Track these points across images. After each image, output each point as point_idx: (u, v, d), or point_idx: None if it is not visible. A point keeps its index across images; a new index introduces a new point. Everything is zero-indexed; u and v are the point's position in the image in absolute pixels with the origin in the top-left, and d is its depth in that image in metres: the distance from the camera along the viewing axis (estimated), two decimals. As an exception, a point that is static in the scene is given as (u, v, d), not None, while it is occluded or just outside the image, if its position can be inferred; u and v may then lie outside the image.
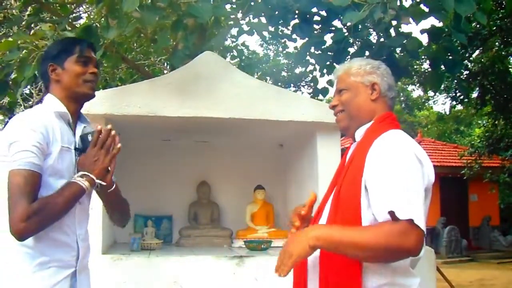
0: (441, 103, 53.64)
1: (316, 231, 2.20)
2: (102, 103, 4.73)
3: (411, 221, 2.06)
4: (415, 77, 13.41)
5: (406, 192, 2.12)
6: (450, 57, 5.95)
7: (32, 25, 8.56)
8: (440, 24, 6.24)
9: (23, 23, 7.29)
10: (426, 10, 5.58)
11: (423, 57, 10.07)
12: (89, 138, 2.57)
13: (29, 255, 2.40)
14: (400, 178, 2.15)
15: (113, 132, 2.60)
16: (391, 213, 2.09)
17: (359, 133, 2.48)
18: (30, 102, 15.82)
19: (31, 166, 2.33)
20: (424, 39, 6.24)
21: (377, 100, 2.48)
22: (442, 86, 12.23)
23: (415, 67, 13.56)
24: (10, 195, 2.30)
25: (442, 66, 6.10)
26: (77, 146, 2.63)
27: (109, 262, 4.65)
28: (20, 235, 2.29)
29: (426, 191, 2.25)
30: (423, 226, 2.09)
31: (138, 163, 6.08)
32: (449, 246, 18.53)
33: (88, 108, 4.61)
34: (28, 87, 13.72)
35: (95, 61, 2.76)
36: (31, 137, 2.38)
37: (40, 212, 2.28)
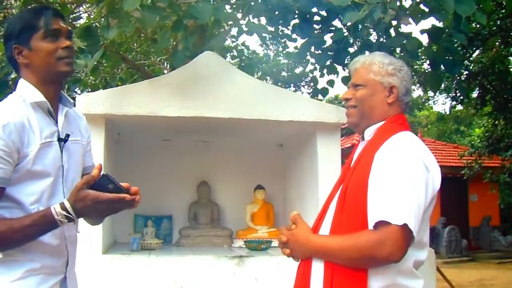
0: (441, 103, 53.72)
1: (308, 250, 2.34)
2: (102, 103, 4.73)
3: (393, 228, 2.10)
4: (415, 77, 13.37)
5: (400, 200, 2.13)
6: (450, 58, 5.95)
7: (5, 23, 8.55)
8: (440, 24, 6.24)
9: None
10: (426, 10, 5.59)
11: (423, 57, 10.07)
12: (110, 187, 2.12)
13: (16, 263, 2.14)
14: (399, 188, 2.16)
15: (137, 198, 2.24)
16: (378, 222, 2.13)
17: (369, 132, 2.46)
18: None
19: None
20: (424, 39, 6.24)
21: (392, 104, 2.45)
22: (442, 86, 12.22)
23: (415, 67, 13.53)
24: None
25: (442, 66, 6.10)
26: (60, 137, 2.29)
27: (109, 262, 4.65)
28: None
29: (431, 199, 2.27)
30: (409, 233, 2.13)
31: (138, 163, 6.07)
32: (449, 246, 18.51)
33: (88, 108, 4.65)
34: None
35: (66, 32, 2.31)
36: None
37: None
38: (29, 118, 2.19)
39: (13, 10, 8.71)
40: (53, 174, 2.23)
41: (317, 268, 2.29)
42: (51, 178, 2.22)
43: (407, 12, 5.51)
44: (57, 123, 2.31)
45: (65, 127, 2.34)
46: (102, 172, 2.14)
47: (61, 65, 2.27)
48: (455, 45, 6.55)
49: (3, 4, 7.93)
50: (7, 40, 2.31)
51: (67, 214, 2.08)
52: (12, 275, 2.12)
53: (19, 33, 2.26)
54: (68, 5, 7.21)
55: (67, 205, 2.08)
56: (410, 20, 5.47)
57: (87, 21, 9.16)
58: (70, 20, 6.64)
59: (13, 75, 6.20)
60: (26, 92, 2.26)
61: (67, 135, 2.32)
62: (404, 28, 6.10)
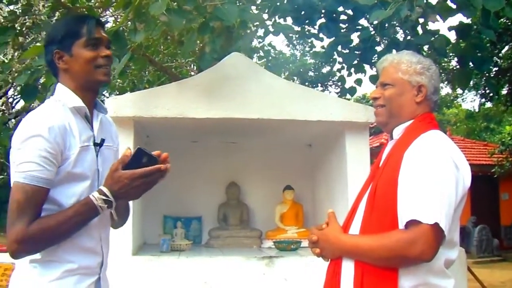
0: (470, 101, 53.14)
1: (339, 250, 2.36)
2: (131, 106, 4.77)
3: (424, 227, 2.10)
4: (443, 74, 13.27)
5: (431, 199, 2.13)
6: (479, 54, 5.89)
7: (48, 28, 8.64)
8: (468, 21, 6.18)
9: (51, 28, 7.36)
10: (454, 6, 5.54)
11: (451, 54, 9.98)
12: (144, 160, 2.17)
13: (54, 263, 2.19)
14: (429, 186, 2.15)
15: (168, 166, 2.27)
16: (409, 222, 2.13)
17: (397, 131, 2.45)
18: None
19: (34, 180, 2.10)
20: (452, 36, 6.17)
21: (421, 103, 2.44)
22: (471, 83, 12.11)
23: (443, 64, 13.43)
24: (9, 210, 2.11)
25: (471, 63, 6.03)
26: (96, 141, 2.34)
27: (140, 263, 4.69)
28: (13, 256, 2.13)
29: (462, 198, 2.26)
30: (441, 232, 2.12)
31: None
32: (480, 246, 18.30)
33: (116, 111, 4.69)
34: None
35: (106, 41, 2.38)
36: (39, 145, 2.11)
37: (37, 237, 2.09)
38: (70, 122, 2.25)
39: (41, 16, 8.82)
40: (90, 177, 2.28)
41: (348, 268, 2.29)
42: (89, 180, 2.27)
43: (434, 9, 5.46)
44: (92, 128, 2.37)
45: (99, 132, 2.40)
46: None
47: (99, 74, 2.33)
48: (484, 41, 6.50)
49: (32, 10, 8.02)
50: (49, 44, 2.37)
51: (106, 198, 2.14)
52: (51, 275, 2.18)
53: (61, 39, 2.32)
54: (95, 10, 7.27)
55: (105, 189, 2.15)
56: (438, 17, 5.43)
57: (114, 25, 9.25)
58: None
59: (42, 80, 6.27)
60: (65, 97, 2.31)
61: (102, 140, 2.38)
62: (431, 26, 6.02)
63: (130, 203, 2.62)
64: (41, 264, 2.18)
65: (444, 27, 6.43)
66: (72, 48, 2.30)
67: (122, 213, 2.50)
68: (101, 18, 7.66)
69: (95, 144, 2.35)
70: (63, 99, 2.31)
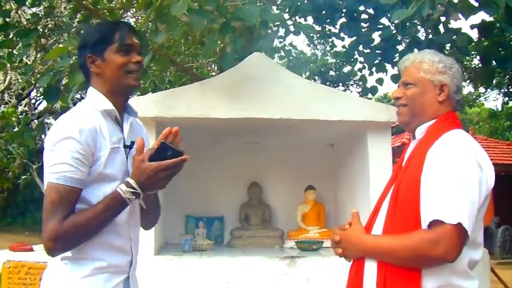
0: (493, 99, 52.85)
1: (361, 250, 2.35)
2: (153, 106, 4.79)
3: (447, 227, 2.08)
4: (465, 73, 13.18)
5: (454, 199, 2.11)
6: (502, 52, 5.85)
7: (82, 31, 8.70)
8: (491, 19, 6.13)
9: (73, 29, 7.42)
10: (476, 4, 5.50)
11: (473, 53, 9.91)
12: (169, 153, 2.26)
13: (85, 261, 2.26)
14: (453, 186, 2.13)
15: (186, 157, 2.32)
16: (432, 222, 2.12)
17: (420, 131, 2.43)
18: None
19: (67, 180, 2.17)
20: (474, 34, 6.14)
21: (443, 102, 2.42)
22: (494, 82, 12.03)
23: (465, 63, 13.35)
24: (44, 210, 2.19)
25: (494, 62, 5.99)
26: (126, 144, 2.41)
27: (162, 263, 4.71)
28: (49, 253, 2.21)
29: (485, 198, 2.24)
30: (464, 232, 2.10)
31: (188, 165, 6.09)
32: (503, 247, 18.13)
33: (139, 111, 4.70)
34: (79, 92, 13.97)
35: (138, 48, 2.46)
36: (71, 147, 2.19)
37: (69, 234, 2.16)
38: (100, 124, 2.33)
39: (63, 18, 8.90)
40: (120, 178, 2.34)
41: (370, 268, 2.28)
42: (118, 181, 2.32)
43: (456, 7, 5.43)
44: (122, 130, 2.45)
45: (129, 135, 2.47)
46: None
47: (129, 79, 2.41)
48: (507, 39, 6.44)
49: (54, 12, 8.10)
50: (82, 48, 2.45)
51: (133, 190, 2.21)
52: (82, 272, 2.25)
53: (94, 44, 2.39)
54: (116, 11, 7.31)
55: (131, 181, 2.22)
56: (460, 15, 5.39)
57: (135, 26, 9.30)
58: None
59: (64, 81, 6.31)
60: (96, 100, 2.39)
61: (132, 142, 2.43)
62: (453, 24, 6.03)
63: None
64: (72, 262, 2.26)
65: (466, 25, 6.39)
66: (105, 53, 2.38)
67: (151, 207, 2.55)
68: (122, 19, 7.70)
69: (125, 146, 2.42)
70: (94, 103, 2.39)
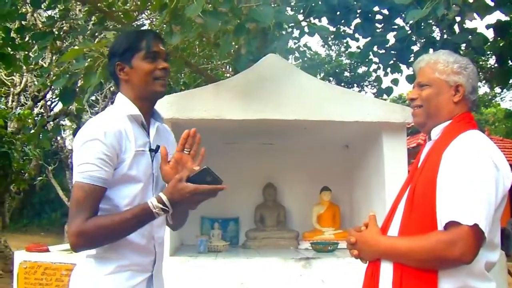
0: (509, 100, 52.43)
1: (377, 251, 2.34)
2: (168, 108, 4.80)
3: (463, 229, 2.07)
4: (481, 73, 13.10)
5: (470, 200, 2.10)
6: (518, 52, 5.82)
7: (97, 34, 8.76)
8: (507, 18, 6.10)
9: (88, 32, 7.46)
10: (491, 4, 5.48)
11: (489, 52, 9.86)
12: (208, 179, 2.32)
13: (108, 259, 2.35)
14: (469, 187, 2.12)
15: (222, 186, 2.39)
16: (448, 223, 2.11)
17: (436, 132, 2.43)
18: (96, 108, 16.26)
19: (92, 179, 2.26)
20: (490, 34, 6.11)
21: (458, 102, 2.41)
22: (510, 82, 11.93)
23: (480, 63, 13.26)
24: (70, 207, 2.29)
25: (510, 62, 5.96)
26: (151, 148, 2.50)
27: (177, 264, 4.72)
28: (73, 248, 2.29)
29: (502, 198, 2.22)
30: (481, 233, 2.09)
31: (203, 166, 6.11)
32: (520, 248, 18.03)
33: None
34: (94, 94, 14.06)
35: (164, 55, 2.54)
36: (97, 148, 2.28)
37: (91, 233, 2.23)
38: (126, 128, 2.42)
39: (79, 21, 8.94)
40: (144, 180, 2.43)
41: (386, 270, 2.27)
42: (142, 183, 2.42)
43: (471, 7, 5.40)
44: (148, 135, 2.54)
45: (155, 139, 2.56)
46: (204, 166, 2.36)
47: (156, 85, 2.49)
48: (524, 39, 6.40)
49: (69, 15, 8.14)
50: (112, 56, 2.55)
51: (164, 207, 2.26)
52: (105, 269, 2.35)
53: (123, 52, 2.49)
54: (131, 13, 7.33)
55: (164, 198, 2.26)
56: (475, 15, 5.37)
57: (149, 27, 9.32)
58: (133, 27, 6.76)
59: (80, 83, 6.35)
60: (124, 105, 2.49)
61: (158, 146, 2.52)
62: (468, 24, 6.01)
63: None
64: (96, 259, 2.36)
65: (482, 25, 6.37)
66: (132, 60, 2.47)
67: (179, 217, 2.62)
68: (136, 21, 7.73)
69: (151, 150, 2.50)
70: (121, 108, 2.48)
